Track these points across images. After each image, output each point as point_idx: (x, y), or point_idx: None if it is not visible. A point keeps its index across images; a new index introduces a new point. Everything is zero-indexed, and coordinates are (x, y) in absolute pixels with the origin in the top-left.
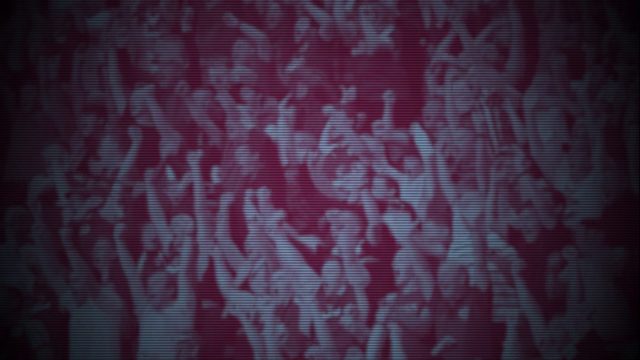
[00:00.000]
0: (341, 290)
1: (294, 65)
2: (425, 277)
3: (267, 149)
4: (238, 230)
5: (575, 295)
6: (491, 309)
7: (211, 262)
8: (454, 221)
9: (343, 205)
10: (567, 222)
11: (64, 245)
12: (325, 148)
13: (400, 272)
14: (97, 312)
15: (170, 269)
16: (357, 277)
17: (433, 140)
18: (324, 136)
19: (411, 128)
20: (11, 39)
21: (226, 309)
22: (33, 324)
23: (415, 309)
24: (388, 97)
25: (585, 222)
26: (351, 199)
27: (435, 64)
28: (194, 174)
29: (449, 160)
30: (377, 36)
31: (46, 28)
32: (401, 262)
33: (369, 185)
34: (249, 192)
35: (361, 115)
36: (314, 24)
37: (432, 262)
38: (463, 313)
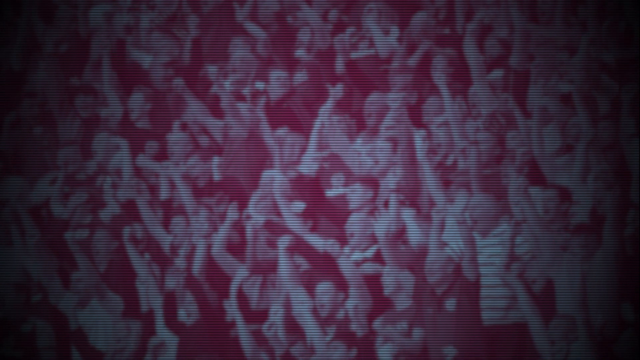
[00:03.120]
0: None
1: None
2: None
3: (263, 152)
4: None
5: (576, 296)
6: (478, 299)
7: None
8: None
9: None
10: (569, 222)
11: (71, 248)
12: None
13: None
14: (103, 313)
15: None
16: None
17: (430, 137)
18: (318, 139)
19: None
20: (15, 39)
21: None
22: (41, 322)
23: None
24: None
25: (586, 222)
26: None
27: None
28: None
29: (446, 158)
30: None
31: (48, 28)
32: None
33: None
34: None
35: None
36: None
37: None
38: (450, 304)
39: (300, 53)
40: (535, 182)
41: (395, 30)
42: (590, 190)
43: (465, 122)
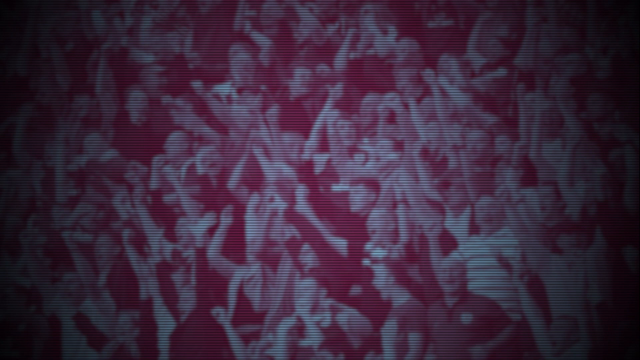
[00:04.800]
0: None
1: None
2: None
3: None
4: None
5: (578, 296)
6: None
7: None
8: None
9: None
10: (569, 220)
11: (69, 247)
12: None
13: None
14: (97, 314)
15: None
16: None
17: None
18: (317, 139)
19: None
20: (20, 42)
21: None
22: (37, 322)
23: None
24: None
25: (585, 222)
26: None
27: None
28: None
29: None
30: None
31: (52, 30)
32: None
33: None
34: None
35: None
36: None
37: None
38: (465, 317)
39: (299, 53)
40: (531, 181)
41: (393, 30)
42: (583, 188)
43: (455, 121)
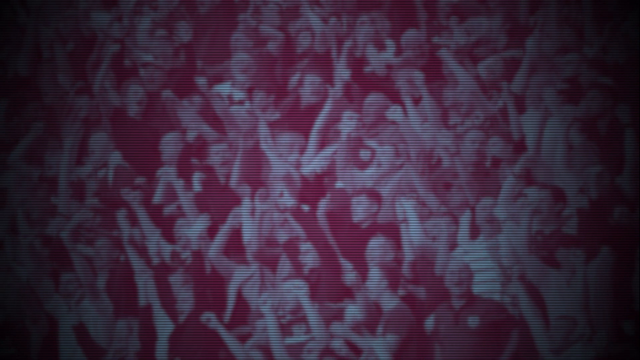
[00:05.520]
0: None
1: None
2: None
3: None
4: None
5: (578, 297)
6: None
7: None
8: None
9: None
10: (567, 224)
11: (67, 247)
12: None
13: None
14: (95, 315)
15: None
16: None
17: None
18: (317, 140)
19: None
20: (21, 42)
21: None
22: (36, 322)
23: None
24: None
25: (584, 221)
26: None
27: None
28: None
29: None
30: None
31: (53, 31)
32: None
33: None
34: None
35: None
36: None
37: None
38: (472, 320)
39: (299, 54)
40: (527, 184)
41: (391, 45)
42: (581, 187)
43: (455, 111)
